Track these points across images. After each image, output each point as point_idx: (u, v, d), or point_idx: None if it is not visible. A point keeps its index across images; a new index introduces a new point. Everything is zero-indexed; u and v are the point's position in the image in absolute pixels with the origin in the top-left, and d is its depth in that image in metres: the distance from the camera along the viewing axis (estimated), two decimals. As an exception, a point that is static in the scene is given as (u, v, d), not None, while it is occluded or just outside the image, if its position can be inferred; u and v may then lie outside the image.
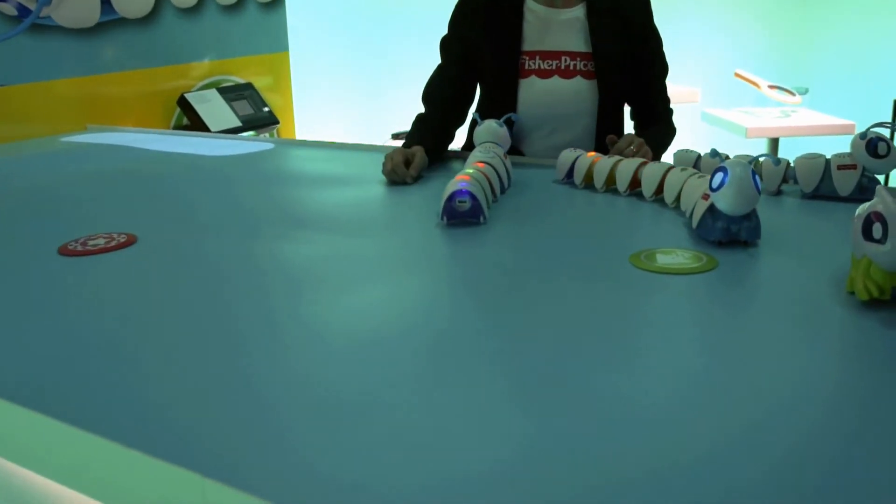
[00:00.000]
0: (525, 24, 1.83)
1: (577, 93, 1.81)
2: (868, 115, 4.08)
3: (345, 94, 4.35)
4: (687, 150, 1.64)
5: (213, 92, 3.02)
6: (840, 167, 1.48)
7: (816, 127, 3.68)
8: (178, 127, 2.98)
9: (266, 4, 3.38)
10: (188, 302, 1.04)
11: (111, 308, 1.03)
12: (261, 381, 0.80)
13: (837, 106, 4.10)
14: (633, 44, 1.82)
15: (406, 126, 1.89)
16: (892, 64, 4.37)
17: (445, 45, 1.93)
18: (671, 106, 1.94)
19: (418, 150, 1.72)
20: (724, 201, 1.18)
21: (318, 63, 4.15)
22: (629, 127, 1.96)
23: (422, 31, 4.24)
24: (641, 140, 1.71)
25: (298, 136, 3.56)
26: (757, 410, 0.73)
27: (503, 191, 1.55)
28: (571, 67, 1.81)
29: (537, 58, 1.82)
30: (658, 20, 1.89)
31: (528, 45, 1.83)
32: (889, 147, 1.46)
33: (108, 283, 1.13)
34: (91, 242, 1.27)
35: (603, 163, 1.54)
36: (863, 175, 1.47)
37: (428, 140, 1.79)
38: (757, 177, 1.19)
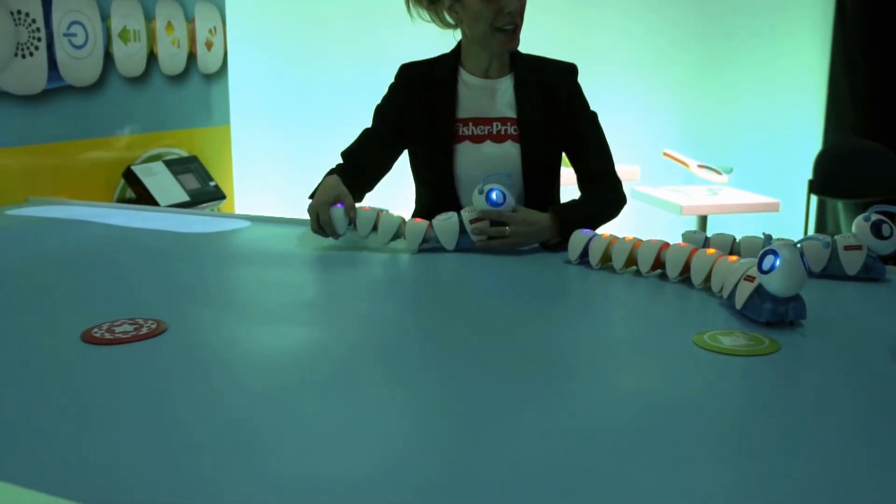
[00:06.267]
0: (459, 93, 1.92)
1: (505, 156, 1.88)
2: (789, 194, 4.31)
3: (283, 168, 4.28)
4: (694, 231, 1.66)
5: (160, 164, 2.90)
6: (847, 248, 1.53)
7: (743, 205, 3.85)
8: (122, 200, 2.84)
9: (210, 76, 3.31)
10: (239, 400, 0.96)
11: (151, 402, 0.95)
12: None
13: (759, 184, 4.31)
14: (558, 111, 1.89)
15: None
16: (808, 144, 4.64)
17: (379, 111, 1.99)
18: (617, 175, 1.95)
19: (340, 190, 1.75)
20: (775, 283, 1.20)
21: (256, 136, 4.08)
22: (565, 189, 2.00)
23: (363, 105, 4.25)
24: (520, 225, 1.72)
25: (238, 211, 3.46)
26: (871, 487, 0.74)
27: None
28: (503, 132, 1.89)
29: (470, 124, 1.90)
30: (590, 98, 1.95)
31: (461, 113, 1.91)
32: (892, 229, 1.52)
33: (145, 375, 1.04)
34: (118, 329, 1.16)
35: (621, 244, 1.55)
36: (867, 255, 1.52)
37: (346, 172, 1.85)
38: (805, 259, 1.22)
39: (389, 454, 0.82)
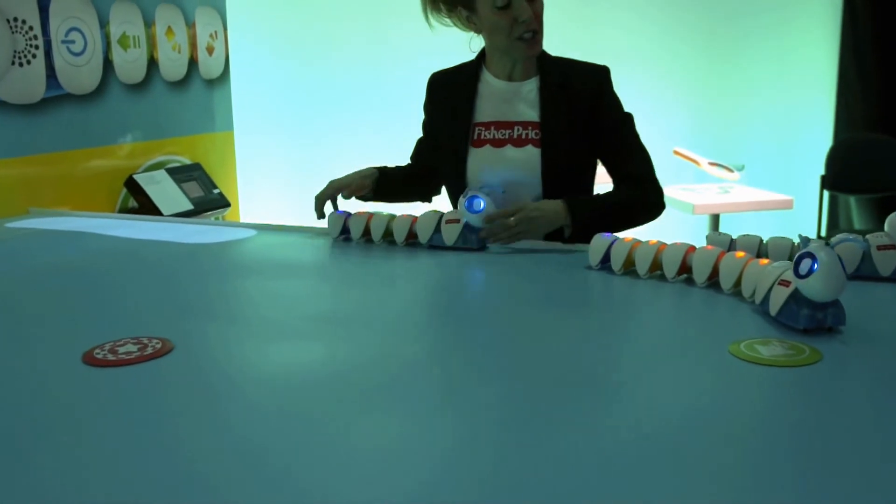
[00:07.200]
0: (480, 96, 1.91)
1: (525, 160, 1.85)
2: (801, 190, 4.25)
3: (288, 175, 4.22)
4: (719, 233, 1.60)
5: (162, 173, 2.85)
6: (880, 247, 1.46)
7: (756, 203, 3.78)
8: (124, 209, 2.79)
9: (211, 81, 3.26)
10: (253, 424, 0.90)
11: (158, 428, 0.88)
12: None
13: (770, 181, 4.24)
14: (583, 115, 1.84)
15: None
16: (819, 140, 4.57)
17: (423, 125, 2.05)
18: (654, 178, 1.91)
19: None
20: (813, 288, 1.14)
21: (260, 142, 4.02)
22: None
23: (368, 109, 4.21)
24: (523, 212, 1.72)
25: (243, 219, 3.40)
26: None
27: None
28: (524, 136, 1.86)
29: (492, 128, 1.88)
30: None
31: (483, 117, 1.90)
32: (929, 227, 1.45)
33: (151, 399, 0.97)
34: (121, 350, 1.10)
35: (645, 248, 1.48)
36: (902, 255, 1.45)
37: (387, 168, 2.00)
38: (843, 262, 1.16)
39: (416, 480, 0.76)
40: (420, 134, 2.05)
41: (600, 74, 1.89)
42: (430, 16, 1.88)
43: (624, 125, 1.89)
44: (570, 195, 1.82)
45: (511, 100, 1.87)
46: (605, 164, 1.90)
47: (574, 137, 1.84)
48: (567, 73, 1.87)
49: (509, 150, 1.85)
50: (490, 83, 1.90)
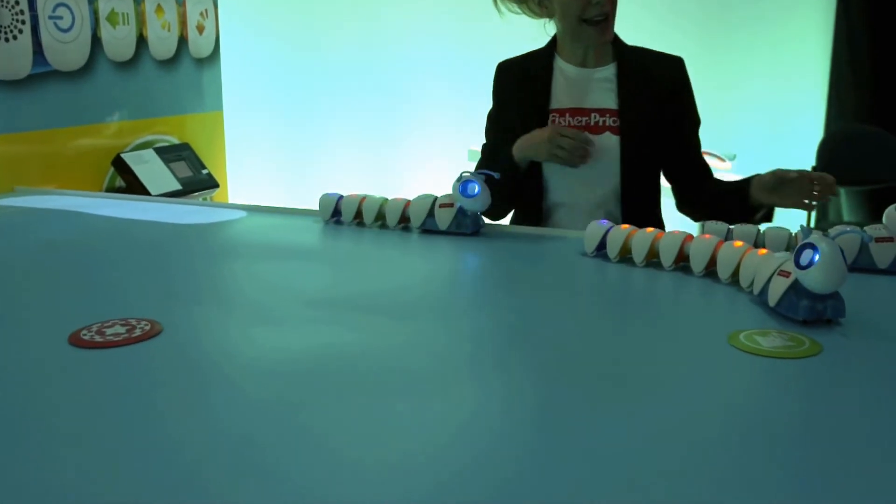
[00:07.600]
0: (555, 83, 1.88)
1: (604, 148, 1.83)
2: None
3: (277, 156, 4.18)
4: (716, 222, 1.59)
5: (151, 152, 2.81)
6: (878, 240, 1.45)
7: (747, 192, 3.76)
8: (111, 189, 2.75)
9: (201, 60, 3.21)
10: (245, 411, 0.88)
11: (145, 413, 0.86)
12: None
13: (762, 171, 4.23)
14: (664, 102, 1.85)
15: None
16: (811, 131, 4.57)
17: (490, 119, 2.00)
18: None
19: None
20: (814, 280, 1.12)
21: (249, 123, 3.98)
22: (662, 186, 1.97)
23: (359, 89, 4.17)
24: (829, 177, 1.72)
25: (231, 201, 3.37)
26: None
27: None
28: (601, 124, 1.84)
29: (567, 115, 1.86)
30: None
31: (558, 104, 1.87)
32: (926, 219, 1.44)
33: (138, 383, 0.95)
34: (109, 331, 1.08)
35: (642, 236, 1.47)
36: (900, 248, 1.44)
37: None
38: (844, 253, 1.14)
39: (416, 478, 0.74)
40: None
41: (679, 65, 1.90)
42: (499, 4, 1.87)
43: (698, 123, 1.94)
44: (644, 183, 1.86)
45: (586, 86, 1.86)
46: (677, 155, 1.92)
47: (653, 125, 1.84)
48: (644, 60, 1.87)
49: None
50: (564, 69, 1.88)
